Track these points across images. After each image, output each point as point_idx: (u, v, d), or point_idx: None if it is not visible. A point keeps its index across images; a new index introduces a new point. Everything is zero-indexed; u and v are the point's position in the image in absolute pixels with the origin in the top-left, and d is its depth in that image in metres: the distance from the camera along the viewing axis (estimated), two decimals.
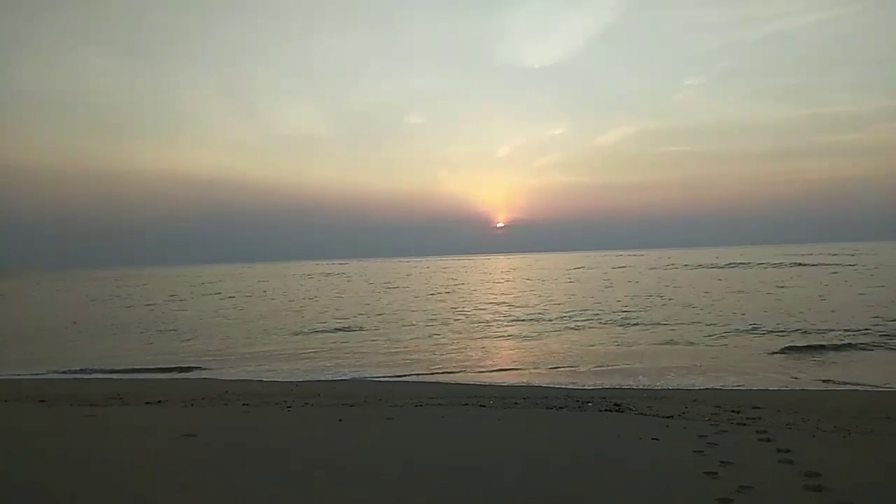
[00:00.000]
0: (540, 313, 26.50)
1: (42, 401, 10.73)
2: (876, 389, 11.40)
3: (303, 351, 18.30)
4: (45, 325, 28.75)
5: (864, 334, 17.36)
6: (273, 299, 41.79)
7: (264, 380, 13.63)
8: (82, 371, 15.76)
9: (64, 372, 15.64)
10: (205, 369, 15.70)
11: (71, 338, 23.50)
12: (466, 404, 9.61)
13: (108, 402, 10.55)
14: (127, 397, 11.04)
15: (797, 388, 11.79)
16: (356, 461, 6.07)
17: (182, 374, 15.26)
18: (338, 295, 43.99)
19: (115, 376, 14.87)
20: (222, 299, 43.13)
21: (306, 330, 23.30)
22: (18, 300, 50.48)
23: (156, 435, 7.50)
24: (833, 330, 18.34)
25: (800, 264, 60.65)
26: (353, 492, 5.08)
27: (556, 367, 14.36)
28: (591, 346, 17.33)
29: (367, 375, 14.09)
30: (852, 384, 11.71)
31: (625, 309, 26.45)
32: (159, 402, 10.47)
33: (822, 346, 15.76)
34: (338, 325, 24.48)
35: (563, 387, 11.75)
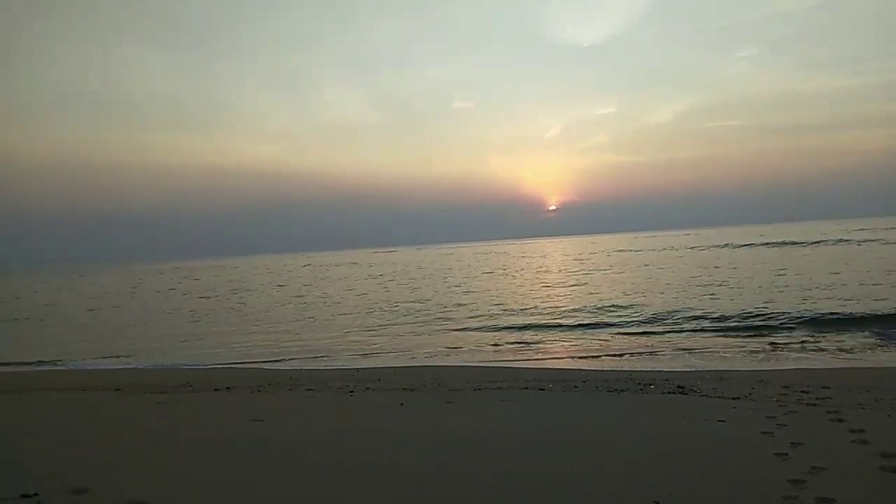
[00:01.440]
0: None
1: (117, 389, 11.24)
2: None
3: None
4: (174, 318, 28.68)
5: None
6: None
7: (326, 367, 13.97)
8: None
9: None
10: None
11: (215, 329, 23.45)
12: (526, 388, 9.64)
13: (179, 389, 10.99)
14: (196, 385, 11.46)
15: (867, 367, 11.41)
16: (417, 442, 6.19)
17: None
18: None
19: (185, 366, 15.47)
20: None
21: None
22: (114, 295, 49.92)
23: (223, 419, 7.80)
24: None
25: (845, 240, 56.47)
26: (414, 472, 5.19)
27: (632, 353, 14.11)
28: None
29: (425, 363, 14.30)
30: None
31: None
32: (227, 388, 10.84)
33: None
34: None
35: (624, 369, 11.66)
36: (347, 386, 10.50)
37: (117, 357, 17.50)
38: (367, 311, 26.47)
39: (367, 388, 10.15)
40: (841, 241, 57.19)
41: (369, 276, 54.83)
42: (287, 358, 16.13)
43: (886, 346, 13.32)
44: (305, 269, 78.76)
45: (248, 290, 44.54)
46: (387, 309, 26.48)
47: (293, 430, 7.08)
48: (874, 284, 23.89)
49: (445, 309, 25.21)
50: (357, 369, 13.21)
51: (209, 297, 39.62)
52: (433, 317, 23.12)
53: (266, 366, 14.95)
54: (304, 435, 6.82)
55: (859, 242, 53.87)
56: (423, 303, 28.11)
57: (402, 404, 8.49)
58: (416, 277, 48.51)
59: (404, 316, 23.77)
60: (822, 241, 58.54)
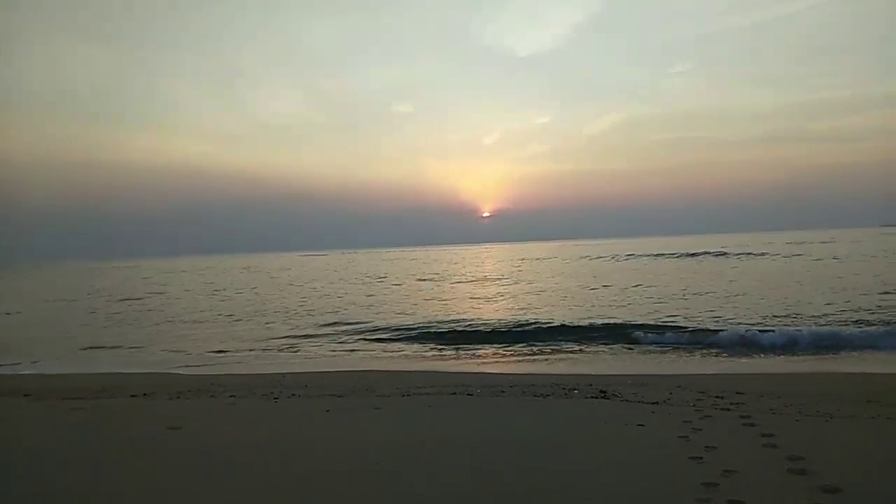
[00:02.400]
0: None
1: (27, 395, 10.64)
2: (854, 373, 11.61)
3: None
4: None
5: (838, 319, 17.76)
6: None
7: (251, 372, 13.61)
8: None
9: None
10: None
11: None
12: (454, 393, 9.65)
13: (95, 395, 10.48)
14: (112, 390, 10.97)
15: (779, 373, 11.98)
16: (344, 450, 6.08)
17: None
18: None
19: (100, 370, 14.78)
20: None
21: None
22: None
23: (139, 426, 7.48)
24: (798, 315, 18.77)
25: (723, 253, 58.47)
26: (343, 480, 5.09)
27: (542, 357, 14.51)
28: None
29: (354, 367, 14.14)
30: (830, 370, 11.92)
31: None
32: (145, 395, 10.41)
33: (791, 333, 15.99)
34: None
35: (550, 374, 11.84)
36: (272, 392, 10.25)
37: (25, 362, 16.56)
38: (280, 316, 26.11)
39: (293, 395, 9.94)
40: (722, 253, 58.27)
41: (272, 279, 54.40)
42: (209, 363, 15.69)
43: (796, 353, 14.03)
44: (240, 273, 77.04)
45: (164, 293, 43.27)
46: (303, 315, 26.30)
47: (211, 438, 6.85)
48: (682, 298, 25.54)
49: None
50: (283, 374, 12.93)
51: (128, 300, 38.22)
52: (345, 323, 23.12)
53: (186, 371, 14.47)
54: (223, 443, 6.60)
55: (738, 255, 55.48)
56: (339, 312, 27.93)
57: (328, 411, 8.34)
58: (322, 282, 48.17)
59: (322, 326, 23.46)
60: (704, 252, 60.40)
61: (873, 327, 16.01)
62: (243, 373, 14.03)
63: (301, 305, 30.18)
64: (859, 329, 15.90)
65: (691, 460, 5.34)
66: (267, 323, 24.13)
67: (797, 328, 16.19)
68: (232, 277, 62.55)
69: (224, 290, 44.63)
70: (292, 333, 20.72)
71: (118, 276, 74.29)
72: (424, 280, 46.93)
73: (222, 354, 17.18)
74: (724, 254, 58.16)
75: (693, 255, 59.03)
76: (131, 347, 19.24)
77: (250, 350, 17.74)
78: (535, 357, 14.93)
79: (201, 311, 29.30)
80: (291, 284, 48.02)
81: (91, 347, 19.55)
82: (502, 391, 9.67)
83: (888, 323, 16.48)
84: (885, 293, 23.38)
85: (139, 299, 38.39)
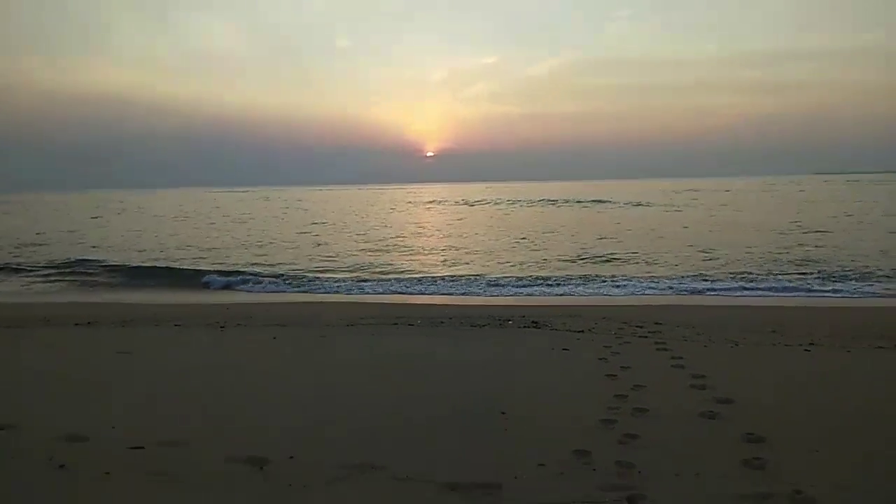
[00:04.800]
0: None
1: None
2: (769, 306, 12.69)
3: None
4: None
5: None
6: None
7: (195, 302, 13.79)
8: None
9: None
10: None
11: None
12: (396, 324, 10.12)
13: (36, 324, 10.52)
14: (54, 320, 11.00)
15: (699, 305, 12.96)
16: (292, 371, 6.52)
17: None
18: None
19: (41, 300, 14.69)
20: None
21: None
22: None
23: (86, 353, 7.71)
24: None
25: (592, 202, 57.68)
26: (290, 400, 5.54)
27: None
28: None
29: (297, 300, 14.50)
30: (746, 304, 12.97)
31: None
32: (88, 324, 10.52)
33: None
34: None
35: (487, 305, 12.49)
36: (218, 322, 10.51)
37: None
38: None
39: (239, 325, 10.24)
40: (633, 203, 55.28)
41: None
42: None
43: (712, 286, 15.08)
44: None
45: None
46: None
47: (162, 363, 7.16)
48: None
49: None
50: (227, 306, 13.15)
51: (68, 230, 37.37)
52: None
53: (128, 299, 14.56)
54: (175, 367, 6.92)
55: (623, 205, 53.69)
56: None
57: (274, 338, 8.71)
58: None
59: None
60: (608, 201, 58.36)
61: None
62: (186, 302, 14.18)
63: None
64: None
65: (607, 377, 5.99)
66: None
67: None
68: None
69: None
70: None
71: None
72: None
73: None
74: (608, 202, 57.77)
75: (580, 202, 59.24)
76: None
77: None
78: None
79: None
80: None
81: None
82: (441, 322, 10.21)
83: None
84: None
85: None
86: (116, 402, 5.46)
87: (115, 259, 22.30)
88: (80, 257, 22.81)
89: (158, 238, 31.84)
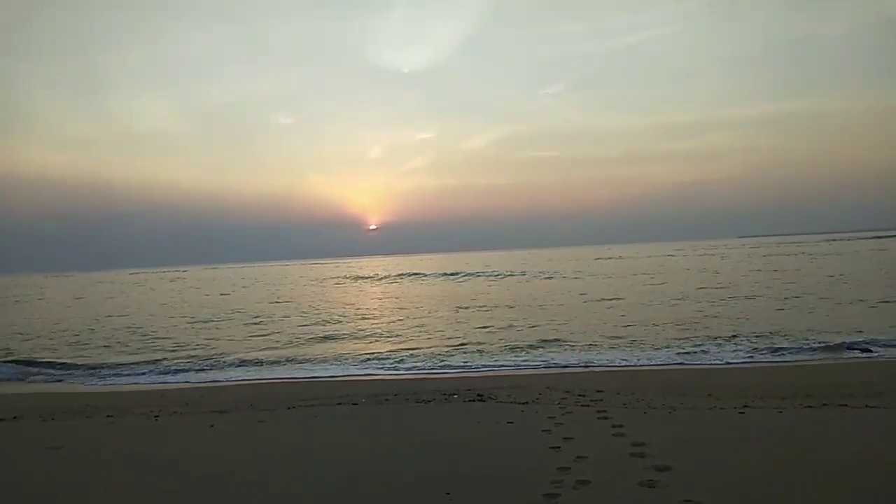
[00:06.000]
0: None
1: None
2: (701, 368, 13.08)
3: None
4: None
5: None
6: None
7: (130, 390, 13.28)
8: None
9: None
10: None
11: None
12: (340, 403, 9.97)
13: None
14: None
15: (638, 369, 13.26)
16: (228, 464, 6.33)
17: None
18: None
19: None
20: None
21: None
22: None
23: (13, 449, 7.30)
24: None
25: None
26: (220, 494, 5.38)
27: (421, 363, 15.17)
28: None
29: (236, 378, 14.18)
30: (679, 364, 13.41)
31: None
32: (14, 418, 9.99)
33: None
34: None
35: (433, 378, 12.50)
36: (152, 411, 10.14)
37: None
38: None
39: (175, 412, 9.90)
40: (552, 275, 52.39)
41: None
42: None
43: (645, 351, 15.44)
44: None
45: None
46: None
47: (95, 456, 6.85)
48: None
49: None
50: (162, 392, 12.72)
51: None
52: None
53: (55, 389, 13.91)
54: (107, 463, 6.63)
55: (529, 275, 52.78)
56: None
57: (212, 426, 8.45)
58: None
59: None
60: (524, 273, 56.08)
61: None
62: (120, 390, 13.63)
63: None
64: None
65: (551, 449, 6.05)
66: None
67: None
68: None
69: None
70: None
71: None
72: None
73: None
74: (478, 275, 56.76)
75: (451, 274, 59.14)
76: None
77: None
78: None
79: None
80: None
81: None
82: (387, 399, 10.13)
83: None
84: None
85: None
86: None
87: None
88: None
89: None
